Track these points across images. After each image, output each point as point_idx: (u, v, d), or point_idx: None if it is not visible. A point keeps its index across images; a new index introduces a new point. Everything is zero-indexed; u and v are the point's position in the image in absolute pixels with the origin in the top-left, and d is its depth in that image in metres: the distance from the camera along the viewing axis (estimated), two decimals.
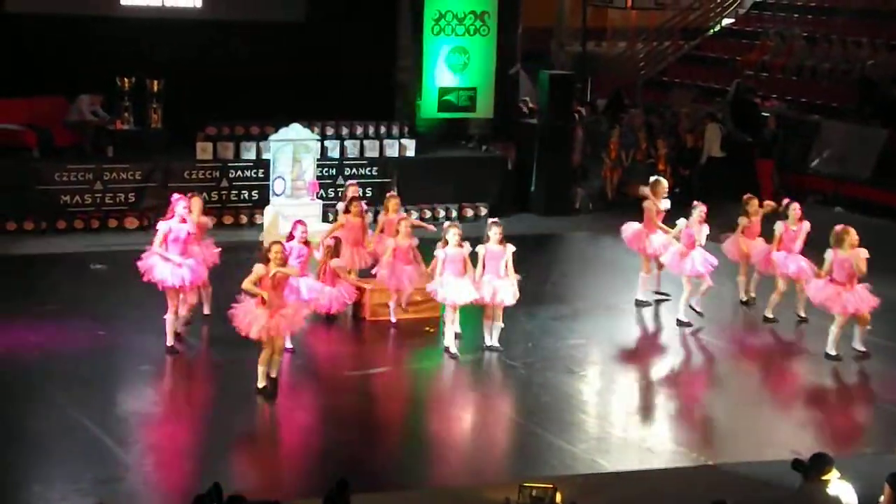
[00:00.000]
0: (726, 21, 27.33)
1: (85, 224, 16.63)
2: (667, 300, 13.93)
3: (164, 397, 11.08)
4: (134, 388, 11.24)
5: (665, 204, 13.90)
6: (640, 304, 13.94)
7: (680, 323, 13.29)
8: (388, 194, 14.25)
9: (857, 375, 12.22)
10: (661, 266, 13.90)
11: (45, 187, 16.54)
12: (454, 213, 18.02)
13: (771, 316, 13.53)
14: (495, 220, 12.29)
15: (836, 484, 7.24)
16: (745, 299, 14.14)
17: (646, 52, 27.40)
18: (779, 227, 13.48)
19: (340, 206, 13.77)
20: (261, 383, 10.86)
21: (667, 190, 14.04)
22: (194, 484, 9.06)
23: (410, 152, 18.28)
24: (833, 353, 12.33)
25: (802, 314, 13.49)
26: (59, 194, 16.59)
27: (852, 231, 12.29)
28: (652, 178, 14.35)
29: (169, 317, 11.86)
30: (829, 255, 12.29)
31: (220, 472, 8.95)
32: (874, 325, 12.61)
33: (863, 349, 12.46)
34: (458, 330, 12.16)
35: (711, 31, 27.15)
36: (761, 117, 21.06)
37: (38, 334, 12.38)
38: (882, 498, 7.22)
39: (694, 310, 13.32)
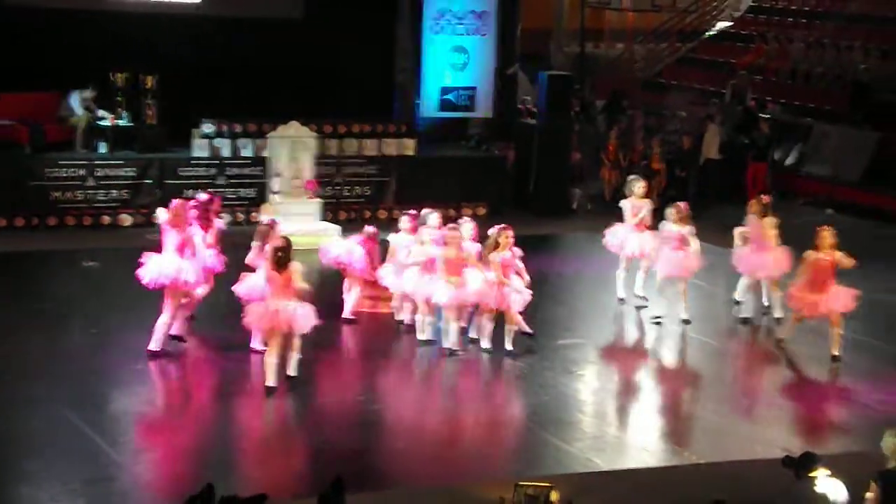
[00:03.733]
0: (722, 24, 27.37)
1: (77, 221, 16.55)
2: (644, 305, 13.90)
3: (156, 396, 10.98)
4: (126, 386, 11.14)
5: (639, 202, 13.87)
6: (628, 300, 13.97)
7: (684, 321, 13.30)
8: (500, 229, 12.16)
9: (846, 374, 12.19)
10: (646, 269, 13.85)
11: (36, 183, 16.48)
12: (452, 213, 17.98)
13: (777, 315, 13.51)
14: (504, 225, 12.15)
15: (825, 481, 7.24)
16: (738, 299, 14.02)
17: (643, 54, 27.40)
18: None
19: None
20: (268, 381, 10.74)
21: (643, 189, 14.00)
22: (187, 484, 8.97)
23: (409, 151, 18.23)
24: (836, 353, 12.32)
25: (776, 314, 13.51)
26: (50, 190, 16.53)
27: (825, 232, 12.23)
28: (629, 178, 14.45)
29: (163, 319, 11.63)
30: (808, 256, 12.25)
31: (213, 473, 8.88)
32: (861, 323, 12.64)
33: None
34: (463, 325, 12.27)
35: (708, 33, 27.18)
36: (756, 120, 21.06)
37: (30, 332, 12.29)
38: (869, 494, 7.22)
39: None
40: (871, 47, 22.74)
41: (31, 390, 10.75)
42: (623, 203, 14.07)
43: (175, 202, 11.85)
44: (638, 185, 14.04)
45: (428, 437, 10.52)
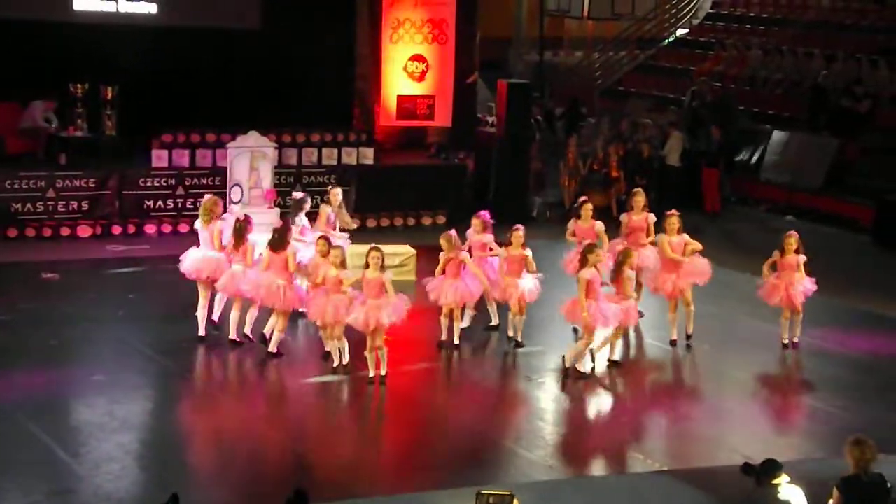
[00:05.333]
0: (681, 31, 27.61)
1: (37, 232, 16.44)
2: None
3: (116, 407, 10.93)
4: (86, 398, 11.10)
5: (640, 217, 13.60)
6: None
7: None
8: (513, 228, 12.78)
9: (806, 380, 12.34)
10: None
11: None
12: (412, 221, 18.05)
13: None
14: (590, 241, 12.38)
15: (786, 488, 7.31)
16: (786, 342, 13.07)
17: (602, 62, 27.58)
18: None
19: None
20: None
21: (643, 202, 13.64)
22: (148, 495, 8.98)
23: (368, 160, 18.26)
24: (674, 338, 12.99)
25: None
26: (10, 202, 16.40)
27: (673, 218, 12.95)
28: (633, 191, 14.13)
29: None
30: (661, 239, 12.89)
31: (174, 483, 8.84)
32: (820, 329, 12.72)
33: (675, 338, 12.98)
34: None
35: (666, 41, 27.41)
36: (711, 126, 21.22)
37: None
38: (830, 501, 7.30)
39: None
40: (830, 53, 23.02)
41: None
42: (622, 217, 13.82)
43: (206, 198, 12.50)
44: (637, 199, 13.70)
45: (389, 445, 10.56)
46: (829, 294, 13.18)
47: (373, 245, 11.77)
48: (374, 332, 11.36)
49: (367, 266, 11.50)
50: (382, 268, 11.44)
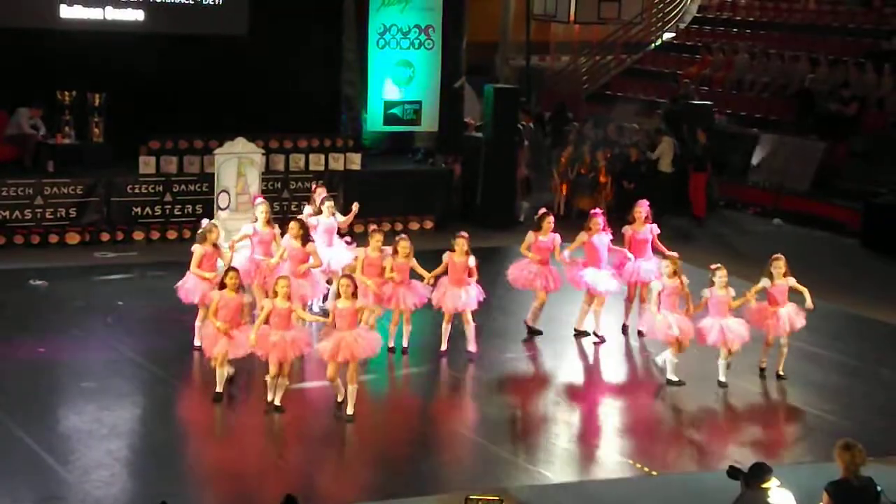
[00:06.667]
0: (668, 35, 27.67)
1: (25, 239, 16.42)
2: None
3: (105, 414, 10.92)
4: (75, 405, 11.09)
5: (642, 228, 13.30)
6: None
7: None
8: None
9: (795, 384, 12.35)
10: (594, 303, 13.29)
11: None
12: (400, 227, 18.04)
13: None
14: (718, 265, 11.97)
15: (776, 492, 7.33)
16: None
17: (589, 66, 27.63)
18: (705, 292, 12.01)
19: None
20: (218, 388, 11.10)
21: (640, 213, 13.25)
22: (137, 502, 8.98)
23: (356, 166, 18.27)
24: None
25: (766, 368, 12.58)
26: None
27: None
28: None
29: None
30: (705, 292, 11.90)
31: (163, 490, 8.84)
32: (809, 333, 12.81)
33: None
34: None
35: (653, 45, 27.46)
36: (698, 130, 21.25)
37: None
38: None
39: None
40: (816, 57, 23.11)
41: None
42: (624, 230, 13.41)
43: (204, 223, 12.30)
44: (638, 210, 13.32)
45: (378, 451, 10.55)
46: (816, 298, 13.19)
47: (344, 273, 11.60)
48: (346, 365, 10.67)
49: (338, 295, 10.72)
50: (354, 296, 10.76)
